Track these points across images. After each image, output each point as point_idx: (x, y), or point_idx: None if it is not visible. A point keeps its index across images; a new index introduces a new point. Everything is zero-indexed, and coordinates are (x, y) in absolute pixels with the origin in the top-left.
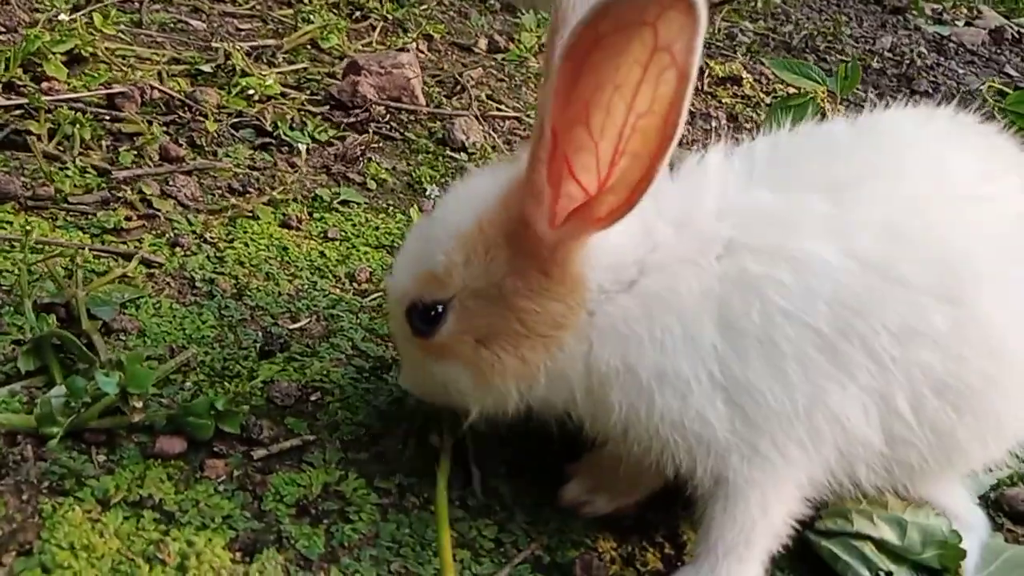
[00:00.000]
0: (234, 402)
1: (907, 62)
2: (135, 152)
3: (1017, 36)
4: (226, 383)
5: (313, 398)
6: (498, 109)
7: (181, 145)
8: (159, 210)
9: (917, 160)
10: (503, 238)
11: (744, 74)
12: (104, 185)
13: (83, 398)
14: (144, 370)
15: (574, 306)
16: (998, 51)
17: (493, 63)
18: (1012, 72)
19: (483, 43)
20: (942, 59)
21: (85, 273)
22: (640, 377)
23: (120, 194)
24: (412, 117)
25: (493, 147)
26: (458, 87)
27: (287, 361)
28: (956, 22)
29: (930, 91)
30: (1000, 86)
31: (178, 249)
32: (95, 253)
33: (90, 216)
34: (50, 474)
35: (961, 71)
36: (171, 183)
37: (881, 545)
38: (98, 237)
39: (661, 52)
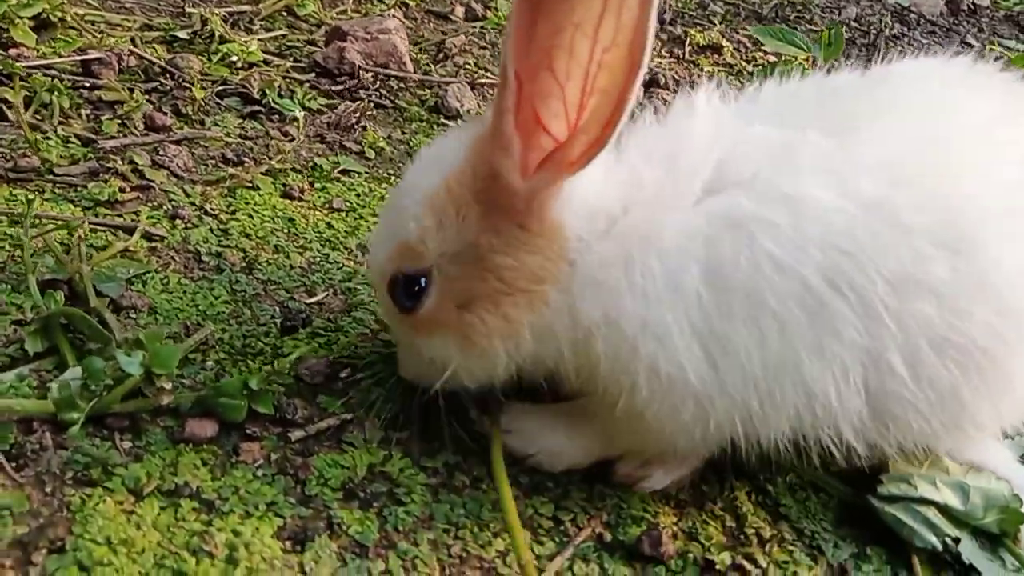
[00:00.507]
0: (265, 380)
1: (874, 32)
2: (119, 121)
3: (972, 7)
4: (249, 361)
5: (343, 375)
6: (486, 77)
7: (166, 114)
8: (152, 181)
9: (928, 101)
10: (473, 196)
11: (724, 42)
12: (91, 155)
13: (103, 380)
14: (169, 348)
15: (553, 257)
16: (956, 21)
17: (473, 31)
18: (972, 41)
19: (460, 11)
20: (906, 29)
21: (84, 248)
22: (623, 328)
23: (109, 165)
24: (402, 84)
25: (480, 113)
26: (440, 54)
27: (311, 337)
28: None
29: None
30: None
31: (178, 221)
32: (92, 227)
33: (79, 188)
34: (74, 463)
35: (924, 41)
36: (161, 153)
37: (944, 510)
38: (91, 210)
39: None
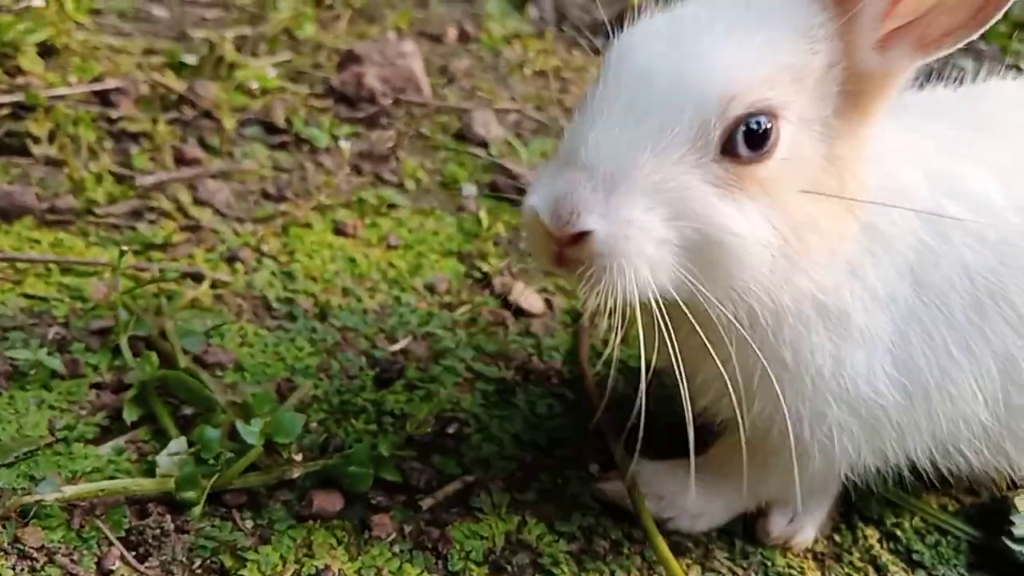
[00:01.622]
0: (395, 445)
1: None
2: (148, 155)
3: None
4: (353, 420)
5: (450, 430)
6: (502, 101)
7: (193, 145)
8: (198, 220)
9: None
10: (832, 56)
11: None
12: (131, 193)
13: (217, 452)
14: (290, 415)
15: (862, 175)
16: None
17: (469, 53)
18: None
19: (452, 32)
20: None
21: (151, 297)
22: (850, 327)
23: (152, 204)
24: (423, 111)
25: (511, 140)
26: (447, 78)
27: (407, 389)
28: None
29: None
30: None
31: (238, 265)
32: (150, 273)
33: (125, 229)
34: (200, 549)
35: None
36: (200, 189)
37: None
38: (142, 254)
39: None
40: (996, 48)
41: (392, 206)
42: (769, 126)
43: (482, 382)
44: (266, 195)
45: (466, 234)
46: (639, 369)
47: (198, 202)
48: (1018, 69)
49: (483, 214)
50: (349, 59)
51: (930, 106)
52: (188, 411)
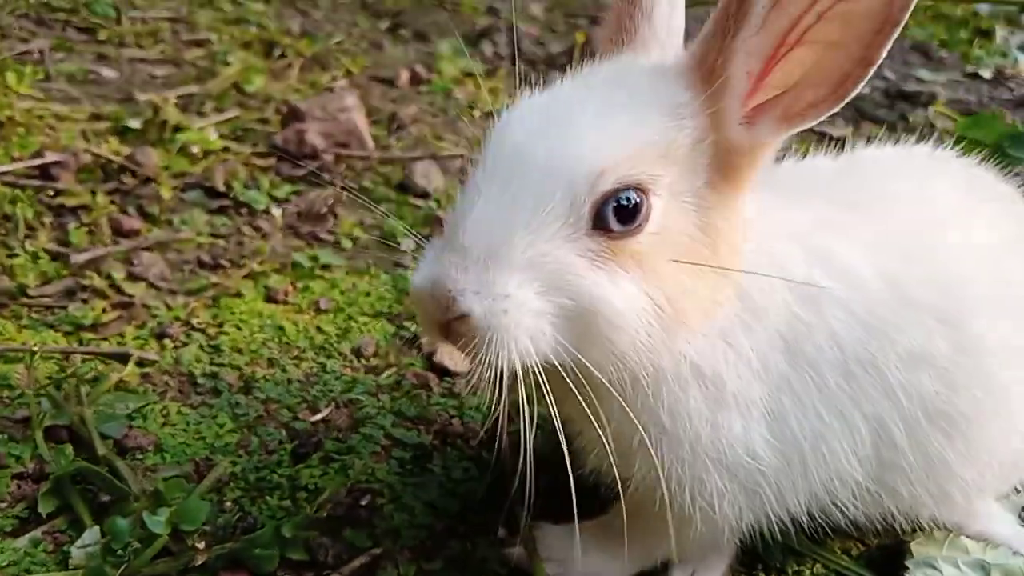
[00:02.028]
0: (299, 525)
1: None
2: (87, 229)
3: None
4: (268, 497)
5: (364, 502)
6: (447, 148)
7: (132, 215)
8: (131, 296)
9: (904, 188)
10: (699, 131)
11: None
12: (64, 272)
13: (127, 541)
14: (196, 502)
15: (739, 249)
16: None
17: (420, 96)
18: (890, 74)
19: (405, 76)
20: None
21: (74, 383)
22: (724, 391)
23: (85, 282)
24: (365, 164)
25: (452, 190)
26: (395, 126)
27: (324, 462)
28: None
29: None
30: (944, 110)
31: (167, 341)
32: (82, 356)
33: (57, 310)
34: None
35: None
36: (136, 262)
37: None
38: (74, 335)
39: None
40: (957, 56)
41: (326, 267)
42: (639, 201)
43: (399, 449)
44: (201, 264)
45: (400, 292)
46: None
47: (132, 277)
48: (977, 76)
49: (408, 274)
50: (292, 115)
51: (808, 177)
52: (105, 498)
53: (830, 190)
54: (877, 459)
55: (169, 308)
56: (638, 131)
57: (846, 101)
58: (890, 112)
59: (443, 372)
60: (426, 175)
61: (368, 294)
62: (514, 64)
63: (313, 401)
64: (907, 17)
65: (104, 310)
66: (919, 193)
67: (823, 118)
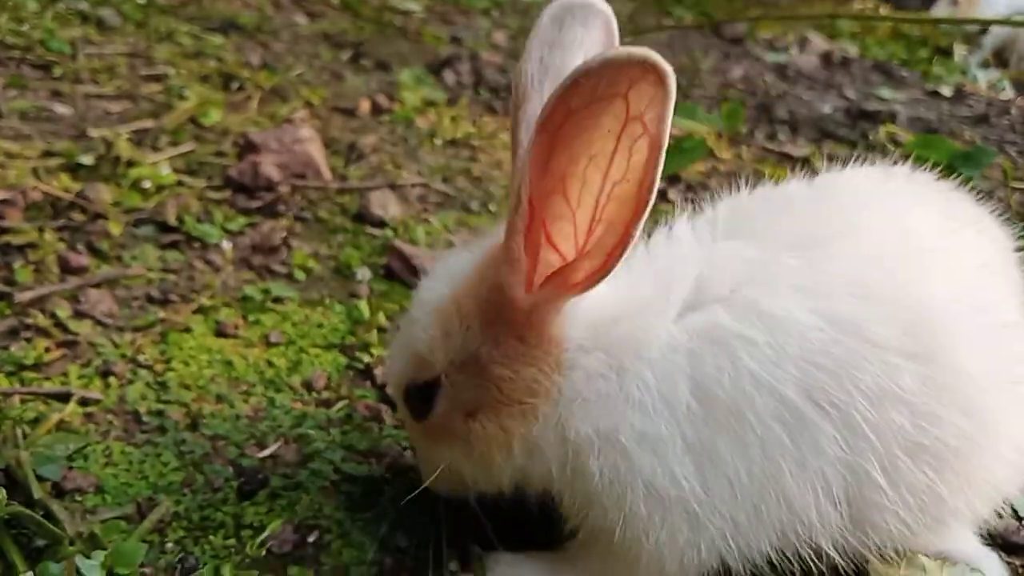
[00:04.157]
0: (240, 565)
1: (761, 92)
2: (33, 267)
3: (843, 59)
4: (212, 536)
5: (311, 539)
6: (404, 177)
7: (80, 252)
8: (76, 334)
9: (877, 217)
10: (477, 308)
11: None
12: (7, 312)
13: None
14: (131, 545)
15: (547, 370)
16: (830, 75)
17: (380, 126)
18: (851, 95)
19: (365, 105)
20: (788, 87)
21: (11, 424)
22: (619, 440)
23: (29, 321)
24: (322, 194)
25: (410, 219)
26: (354, 155)
27: (270, 499)
28: (789, 50)
29: (787, 119)
30: (895, 129)
31: (112, 379)
32: (20, 397)
33: (0, 351)
34: None
35: (807, 97)
36: (82, 300)
37: None
38: (15, 375)
39: (633, 122)
40: (917, 74)
41: (278, 299)
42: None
43: (349, 484)
44: (150, 299)
45: (353, 323)
46: None
47: (78, 314)
48: (938, 94)
49: (363, 304)
50: (247, 148)
51: (768, 210)
52: (40, 543)
53: (787, 224)
54: (859, 500)
55: (115, 345)
56: (407, 348)
57: (615, 266)
58: (851, 131)
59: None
60: (383, 204)
61: (320, 325)
62: (476, 92)
63: (261, 437)
64: (653, 196)
65: (47, 349)
66: (890, 224)
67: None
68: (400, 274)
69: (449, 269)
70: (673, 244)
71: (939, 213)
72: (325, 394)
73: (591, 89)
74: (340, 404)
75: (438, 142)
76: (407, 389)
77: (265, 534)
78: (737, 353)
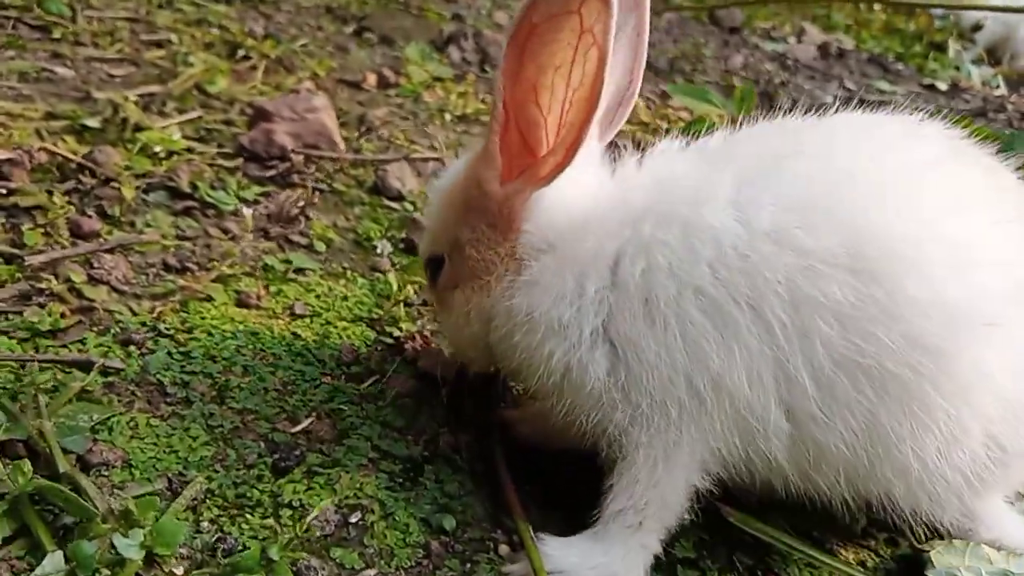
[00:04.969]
0: (286, 546)
1: (764, 80)
2: (42, 230)
3: (840, 51)
4: (248, 515)
5: (353, 519)
6: (418, 151)
7: (91, 216)
8: (92, 300)
9: (857, 144)
10: (463, 198)
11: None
12: (19, 275)
13: (94, 568)
14: (172, 524)
15: (502, 254)
16: (829, 65)
17: (388, 99)
18: (851, 86)
19: (372, 79)
20: (788, 76)
21: (31, 393)
22: (537, 324)
23: (42, 285)
24: (336, 166)
25: (424, 195)
26: (364, 128)
27: (308, 476)
28: (787, 40)
29: (789, 108)
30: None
31: (132, 348)
32: (40, 364)
33: (11, 316)
34: None
35: (808, 87)
36: (96, 265)
37: None
38: (29, 342)
39: (586, 34)
40: (913, 68)
41: (300, 271)
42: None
43: (388, 462)
44: (167, 267)
45: (378, 296)
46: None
47: (93, 280)
48: (934, 88)
49: (392, 277)
50: (259, 116)
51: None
52: (68, 520)
53: (757, 147)
54: (795, 408)
55: (134, 313)
56: (426, 226)
57: (571, 164)
58: None
59: (430, 380)
60: (400, 177)
61: (346, 298)
62: (483, 70)
63: (292, 411)
64: (601, 100)
65: (63, 315)
66: (864, 147)
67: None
68: None
69: (456, 165)
70: (646, 167)
71: (935, 149)
72: (355, 368)
73: (548, 7)
74: (372, 380)
75: (448, 118)
76: (426, 260)
77: (313, 514)
78: (652, 254)
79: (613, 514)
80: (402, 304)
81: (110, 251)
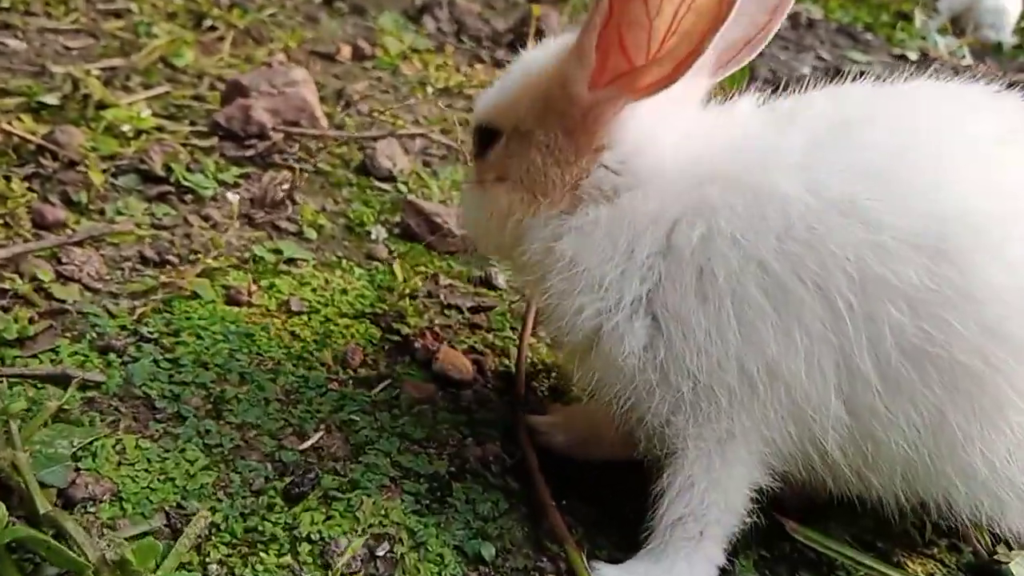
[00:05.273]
0: None
1: None
2: (1, 221)
3: (809, 21)
4: (263, 554)
5: (381, 552)
6: (404, 126)
7: (55, 204)
8: (63, 301)
9: (933, 112)
10: (545, 92)
11: None
12: None
13: None
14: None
15: (567, 184)
16: (800, 36)
17: (366, 72)
18: (826, 55)
19: (346, 50)
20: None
21: (1, 418)
22: (576, 276)
23: (4, 285)
24: (319, 144)
25: (420, 172)
26: (343, 102)
27: (324, 502)
28: None
29: (770, 78)
30: None
31: (112, 356)
32: (8, 380)
33: None
34: None
35: (783, 57)
36: (65, 260)
37: None
38: None
39: None
40: (882, 39)
41: (291, 261)
42: (491, 135)
43: (412, 481)
44: (144, 260)
45: (379, 289)
46: None
47: (62, 278)
48: (904, 58)
49: (397, 267)
50: (234, 91)
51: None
52: (52, 572)
53: (828, 112)
54: (855, 399)
55: (111, 315)
56: (496, 94)
57: (682, 76)
58: None
59: (446, 382)
60: (390, 156)
61: (345, 292)
62: (460, 40)
63: (299, 424)
64: (733, 11)
65: (31, 320)
66: (943, 125)
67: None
68: (419, 232)
69: (552, 46)
70: (721, 123)
71: (1008, 122)
72: (363, 372)
73: None
74: (383, 384)
75: (429, 91)
76: (480, 125)
77: (344, 557)
78: (715, 217)
79: (670, 525)
80: (408, 298)
81: (79, 244)
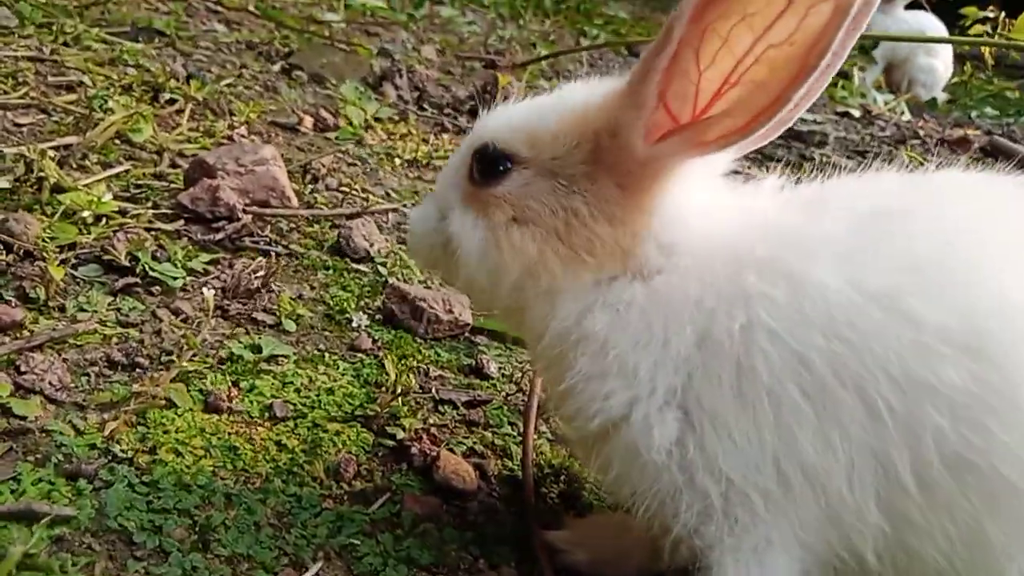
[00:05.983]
0: None
1: None
2: None
3: None
4: None
5: None
6: (375, 203)
7: (11, 303)
8: (23, 418)
9: (968, 204)
10: (594, 136)
11: None
12: None
13: None
14: None
15: (622, 243)
16: None
17: (330, 143)
18: None
19: (308, 121)
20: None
21: None
22: (607, 362)
23: None
24: (291, 224)
25: (397, 251)
26: (309, 176)
27: None
28: None
29: None
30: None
31: (83, 482)
32: None
33: None
34: None
35: None
36: (24, 368)
37: None
38: None
39: None
40: (825, 97)
41: (272, 359)
42: (500, 161)
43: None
44: (112, 364)
45: (366, 385)
46: None
47: (21, 389)
48: (849, 116)
49: (388, 363)
50: (199, 170)
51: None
52: None
53: (861, 201)
54: (892, 508)
55: (79, 432)
56: (521, 118)
57: (752, 137)
58: (789, 152)
59: (448, 493)
60: (366, 235)
61: (331, 391)
62: (421, 108)
63: (295, 553)
64: (822, 64)
65: None
66: (975, 213)
67: (727, 150)
68: (402, 318)
69: (602, 82)
70: (749, 204)
71: None
72: (358, 484)
73: None
74: (382, 499)
75: (397, 162)
76: (489, 146)
77: None
78: (755, 308)
79: None
80: (399, 396)
81: (38, 348)
